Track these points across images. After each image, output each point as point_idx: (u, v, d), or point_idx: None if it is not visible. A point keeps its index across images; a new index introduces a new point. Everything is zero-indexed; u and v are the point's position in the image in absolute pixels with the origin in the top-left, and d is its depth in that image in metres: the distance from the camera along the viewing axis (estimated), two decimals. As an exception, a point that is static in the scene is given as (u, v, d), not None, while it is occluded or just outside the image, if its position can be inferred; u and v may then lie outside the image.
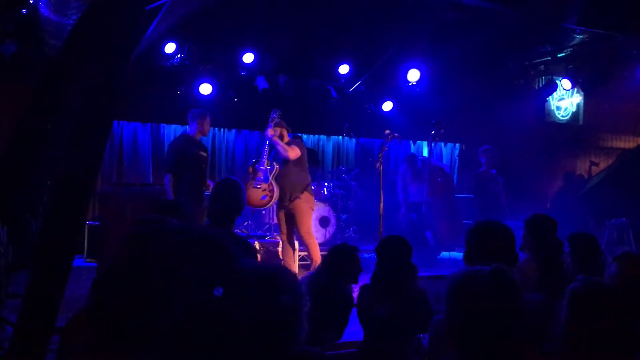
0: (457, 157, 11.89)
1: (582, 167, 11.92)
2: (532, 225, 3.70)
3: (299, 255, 7.07)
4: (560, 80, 10.09)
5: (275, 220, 8.71)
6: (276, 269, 1.84)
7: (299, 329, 1.78)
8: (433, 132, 8.55)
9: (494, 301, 1.71)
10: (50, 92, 3.65)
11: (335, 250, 3.82)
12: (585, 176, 11.84)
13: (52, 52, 6.89)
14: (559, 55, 9.73)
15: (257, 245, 7.12)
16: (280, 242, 6.68)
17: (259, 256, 6.62)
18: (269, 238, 7.89)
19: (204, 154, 6.37)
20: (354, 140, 9.79)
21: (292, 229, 6.35)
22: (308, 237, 6.28)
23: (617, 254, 3.05)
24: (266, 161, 6.35)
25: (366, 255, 8.97)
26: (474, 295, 1.72)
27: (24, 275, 4.89)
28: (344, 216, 9.76)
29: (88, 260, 7.48)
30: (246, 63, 8.81)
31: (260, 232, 8.47)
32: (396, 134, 6.58)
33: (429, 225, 8.70)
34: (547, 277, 3.33)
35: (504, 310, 1.71)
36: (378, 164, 6.36)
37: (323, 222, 8.69)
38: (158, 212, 3.37)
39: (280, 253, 6.71)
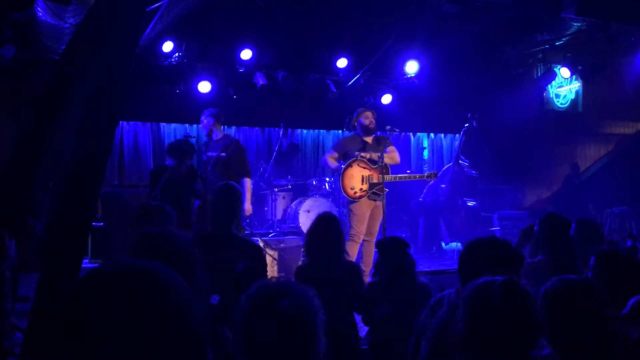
0: (457, 148, 11.87)
1: (582, 154, 11.92)
2: (545, 225, 3.61)
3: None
4: (559, 69, 10.08)
5: (278, 217, 8.71)
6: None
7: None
8: (467, 125, 8.60)
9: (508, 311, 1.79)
10: (53, 92, 3.65)
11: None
12: (587, 164, 11.85)
13: (50, 55, 6.90)
14: (557, 44, 9.71)
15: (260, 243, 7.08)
16: (359, 243, 6.57)
17: (271, 254, 6.61)
18: (273, 235, 7.87)
19: (212, 154, 6.44)
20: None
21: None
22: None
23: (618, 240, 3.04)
24: None
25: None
26: (489, 306, 1.81)
27: (28, 278, 4.90)
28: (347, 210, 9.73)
29: (93, 261, 7.48)
30: (244, 60, 8.79)
31: (263, 229, 8.45)
32: (396, 129, 6.61)
33: (443, 216, 8.78)
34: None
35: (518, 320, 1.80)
36: (381, 162, 6.39)
37: (326, 217, 8.67)
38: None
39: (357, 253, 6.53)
